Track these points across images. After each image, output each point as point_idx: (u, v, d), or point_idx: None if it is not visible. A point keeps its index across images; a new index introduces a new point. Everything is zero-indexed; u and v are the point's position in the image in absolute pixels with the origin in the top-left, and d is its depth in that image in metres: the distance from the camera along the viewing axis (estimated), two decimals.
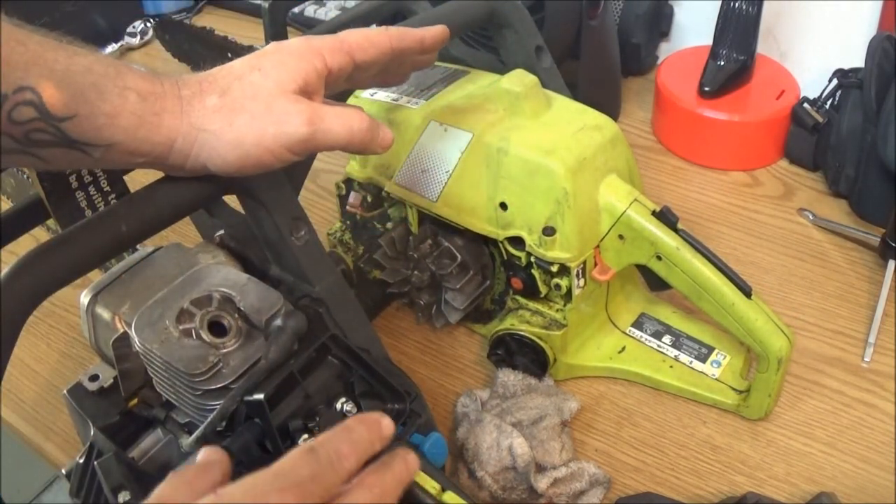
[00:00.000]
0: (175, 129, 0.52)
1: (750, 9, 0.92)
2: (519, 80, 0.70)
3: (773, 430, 0.71)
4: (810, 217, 0.90)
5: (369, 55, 0.58)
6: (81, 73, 0.48)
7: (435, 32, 0.63)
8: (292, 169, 0.58)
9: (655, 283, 0.70)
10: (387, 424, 0.48)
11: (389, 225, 0.78)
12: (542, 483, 0.64)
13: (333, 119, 0.54)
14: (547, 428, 0.67)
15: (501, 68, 0.76)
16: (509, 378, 0.72)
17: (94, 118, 0.49)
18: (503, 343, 0.73)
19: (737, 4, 0.92)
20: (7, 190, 0.98)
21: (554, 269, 0.68)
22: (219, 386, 0.52)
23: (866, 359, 0.76)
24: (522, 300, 0.73)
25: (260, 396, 0.50)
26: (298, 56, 0.55)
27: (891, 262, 0.80)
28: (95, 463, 0.52)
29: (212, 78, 0.54)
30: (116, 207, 0.53)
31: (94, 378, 0.60)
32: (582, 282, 0.69)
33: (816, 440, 0.70)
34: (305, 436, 0.52)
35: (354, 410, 0.54)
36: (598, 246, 0.69)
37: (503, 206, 0.69)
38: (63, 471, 0.58)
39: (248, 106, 0.53)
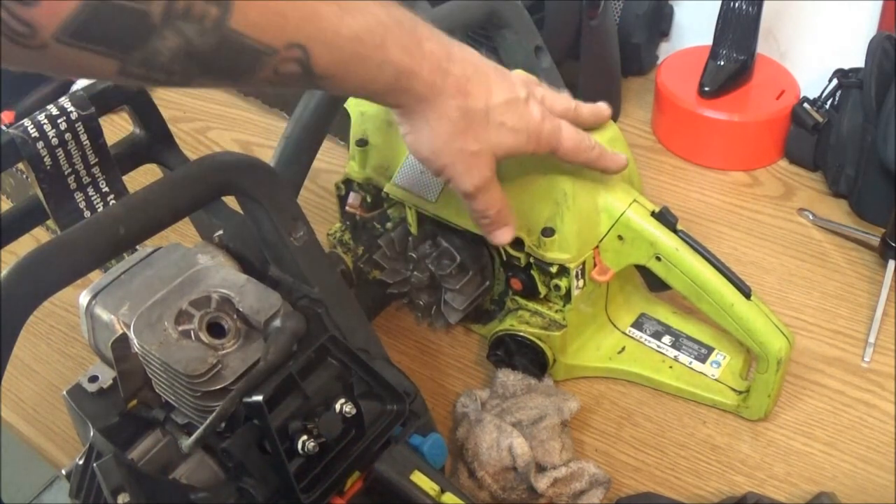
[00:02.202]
0: (413, 103, 0.56)
1: (750, 9, 0.92)
2: None
3: (773, 430, 0.71)
4: (810, 217, 0.90)
5: (566, 158, 0.63)
6: (348, 41, 0.50)
7: (623, 164, 0.66)
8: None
9: (655, 283, 0.70)
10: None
11: (389, 225, 0.78)
12: (542, 483, 0.64)
13: (489, 200, 0.61)
14: (547, 428, 0.67)
15: None
16: (509, 378, 0.72)
17: (349, 81, 0.53)
18: (503, 344, 0.73)
19: (737, 4, 0.92)
20: (7, 190, 0.98)
21: (553, 269, 0.68)
22: (218, 387, 0.52)
23: (866, 359, 0.76)
24: (522, 301, 0.73)
25: (259, 398, 0.50)
26: (526, 134, 0.59)
27: (891, 262, 0.80)
28: (95, 465, 0.52)
29: (469, 91, 0.56)
30: (115, 209, 0.53)
31: (93, 379, 0.60)
32: (581, 282, 0.69)
33: (816, 440, 0.70)
34: (304, 437, 0.52)
35: (354, 412, 0.54)
36: (597, 247, 0.69)
37: None
38: (63, 471, 0.58)
39: (463, 139, 0.57)
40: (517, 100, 0.59)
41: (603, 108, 0.67)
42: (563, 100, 0.64)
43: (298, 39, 0.48)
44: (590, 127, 0.66)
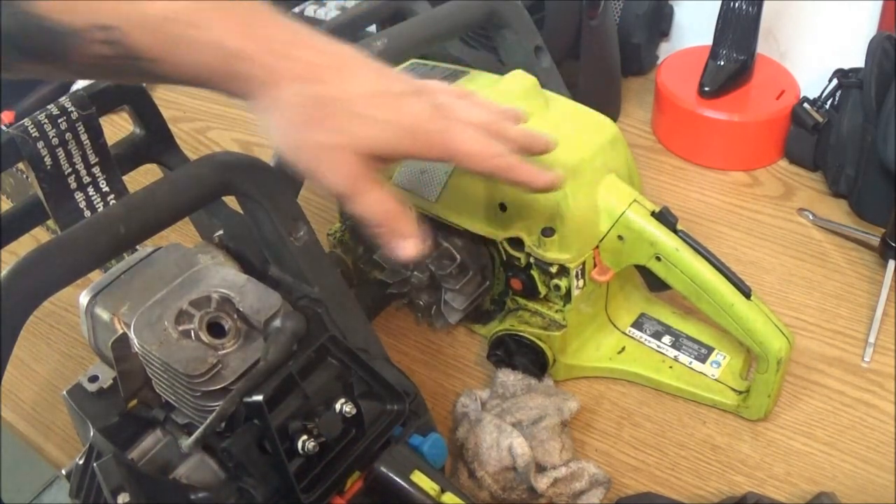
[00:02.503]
0: (251, 89, 0.51)
1: (750, 9, 0.92)
2: (518, 80, 0.70)
3: (773, 430, 0.71)
4: (810, 217, 0.90)
5: (466, 166, 0.56)
6: (161, 21, 0.48)
7: (546, 182, 0.58)
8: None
9: (655, 283, 0.70)
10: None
11: None
12: (542, 483, 0.64)
13: (368, 204, 0.53)
14: (547, 428, 0.67)
15: (501, 68, 0.75)
16: (509, 378, 0.72)
17: (173, 64, 0.49)
18: (503, 344, 0.73)
19: (737, 4, 0.92)
20: (7, 190, 0.98)
21: (553, 269, 0.68)
22: (218, 387, 0.51)
23: (866, 359, 0.76)
24: (522, 301, 0.73)
25: (259, 398, 0.50)
26: (398, 129, 0.53)
27: (891, 262, 0.80)
28: (95, 464, 0.52)
29: (319, 77, 0.51)
30: (115, 208, 0.53)
31: (93, 379, 0.60)
32: (581, 282, 0.69)
33: (816, 440, 0.70)
34: (304, 437, 0.52)
35: (354, 412, 0.54)
36: (597, 247, 0.69)
37: (502, 206, 0.69)
38: (63, 471, 0.58)
39: (318, 130, 0.52)
40: (389, 93, 0.53)
41: (544, 139, 0.59)
42: (484, 111, 0.57)
43: (103, 21, 0.47)
44: (522, 151, 0.58)
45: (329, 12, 1.27)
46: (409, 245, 0.54)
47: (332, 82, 0.52)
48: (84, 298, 0.59)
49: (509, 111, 0.60)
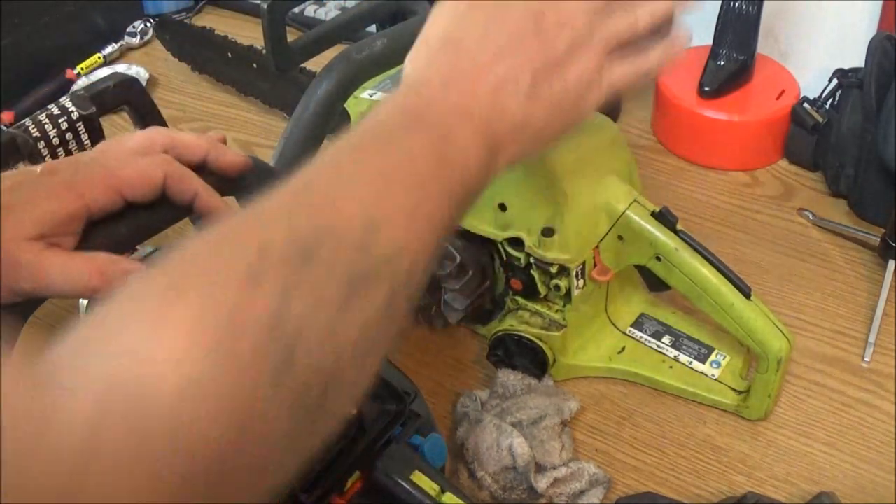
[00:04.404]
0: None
1: (750, 9, 0.92)
2: None
3: (773, 430, 0.71)
4: (810, 217, 0.90)
5: (140, 193, 0.54)
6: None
7: (231, 161, 0.57)
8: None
9: (655, 283, 0.70)
10: None
11: None
12: (542, 483, 0.64)
13: (57, 276, 0.51)
14: (547, 428, 0.67)
15: None
16: (509, 378, 0.72)
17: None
18: (502, 344, 0.73)
19: (737, 4, 0.92)
20: None
21: (553, 269, 0.68)
22: None
23: (866, 359, 0.76)
24: (522, 301, 0.73)
25: None
26: (48, 195, 0.51)
27: (891, 262, 0.80)
28: None
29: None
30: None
31: None
32: (581, 282, 0.70)
33: (816, 440, 0.70)
34: None
35: (354, 412, 0.55)
36: (597, 247, 0.69)
37: (502, 206, 0.69)
38: None
39: None
40: None
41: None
42: None
43: None
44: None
45: (329, 12, 1.27)
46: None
47: None
48: (84, 299, 0.59)
49: None
